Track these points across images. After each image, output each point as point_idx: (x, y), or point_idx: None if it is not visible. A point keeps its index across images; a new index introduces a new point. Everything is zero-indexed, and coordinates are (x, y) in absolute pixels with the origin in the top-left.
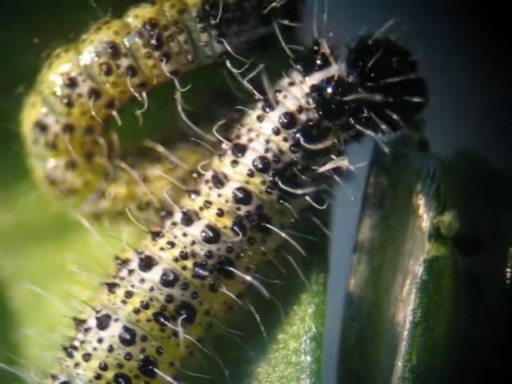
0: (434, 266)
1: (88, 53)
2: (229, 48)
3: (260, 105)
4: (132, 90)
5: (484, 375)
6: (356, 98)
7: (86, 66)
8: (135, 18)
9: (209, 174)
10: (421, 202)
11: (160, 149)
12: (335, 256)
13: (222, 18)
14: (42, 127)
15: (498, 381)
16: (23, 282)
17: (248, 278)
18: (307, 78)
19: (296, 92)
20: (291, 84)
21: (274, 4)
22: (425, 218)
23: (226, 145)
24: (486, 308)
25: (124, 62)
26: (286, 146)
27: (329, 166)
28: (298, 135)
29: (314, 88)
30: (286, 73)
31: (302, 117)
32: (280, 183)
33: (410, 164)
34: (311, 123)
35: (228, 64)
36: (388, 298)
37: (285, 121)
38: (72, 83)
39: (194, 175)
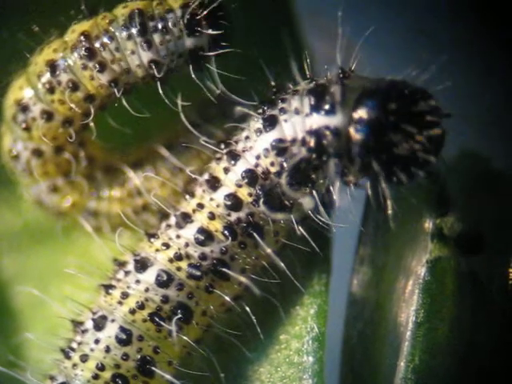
0: (436, 267)
1: (33, 75)
2: (154, 56)
3: (261, 120)
4: (73, 105)
5: (487, 375)
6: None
7: (33, 89)
8: (72, 33)
9: (204, 177)
10: (424, 202)
11: (165, 153)
12: (337, 256)
13: (144, 25)
14: (14, 156)
15: (501, 381)
16: (25, 282)
17: (243, 279)
18: (312, 115)
19: (296, 123)
20: (296, 111)
21: (196, 15)
22: (428, 218)
23: (221, 149)
24: (488, 308)
25: (64, 78)
26: (272, 169)
27: (300, 201)
28: (284, 164)
29: (313, 130)
30: (293, 90)
31: (294, 149)
32: (261, 201)
33: None
34: (300, 159)
35: (156, 73)
36: (391, 299)
37: (276, 147)
38: (24, 108)
39: (192, 177)
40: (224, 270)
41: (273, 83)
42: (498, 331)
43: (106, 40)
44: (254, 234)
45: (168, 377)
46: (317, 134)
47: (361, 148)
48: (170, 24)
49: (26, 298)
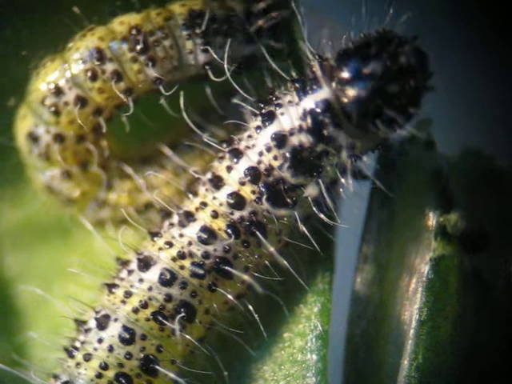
0: (440, 265)
1: (74, 60)
2: (214, 55)
3: (259, 117)
4: (118, 94)
5: (490, 374)
6: (346, 129)
7: (72, 74)
8: (121, 24)
9: (207, 176)
10: (427, 200)
11: (168, 153)
12: (341, 254)
13: (207, 27)
14: (33, 138)
15: (504, 380)
16: (29, 281)
17: (246, 277)
18: (302, 100)
19: (292, 113)
20: (290, 102)
21: (260, 23)
22: (431, 216)
23: (224, 148)
24: (492, 306)
25: (109, 67)
26: (275, 164)
27: (305, 194)
28: (287, 155)
29: (306, 111)
30: (286, 87)
31: (294, 140)
32: (264, 198)
33: (417, 162)
34: (302, 147)
35: (211, 75)
36: (394, 297)
37: (276, 139)
38: (58, 91)
39: (195, 176)
40: (227, 268)
41: (270, 85)
42: (501, 329)
43: (161, 36)
44: (257, 233)
45: (172, 375)
46: (311, 114)
47: (352, 104)
48: (233, 29)
49: (29, 296)
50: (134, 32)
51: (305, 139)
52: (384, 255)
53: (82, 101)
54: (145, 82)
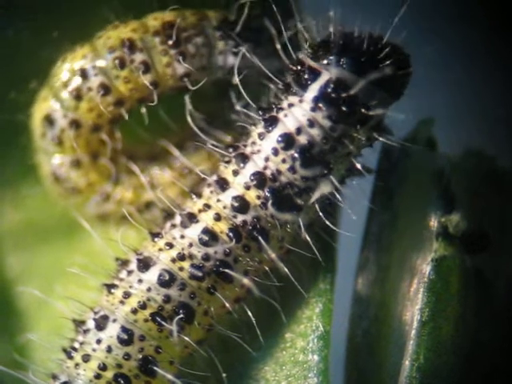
0: (441, 266)
1: (103, 47)
2: (253, 58)
3: (262, 123)
4: (143, 85)
5: (492, 374)
6: (360, 86)
7: (100, 60)
8: (155, 19)
9: (212, 178)
10: (429, 201)
11: (175, 152)
12: (343, 255)
13: (240, 32)
14: (49, 121)
15: (506, 380)
16: (31, 281)
17: (246, 281)
18: (305, 94)
19: (296, 112)
20: (291, 105)
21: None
22: (432, 217)
23: (230, 152)
24: (493, 307)
25: (138, 57)
26: (284, 167)
27: (317, 195)
28: (296, 155)
29: (317, 99)
30: (282, 95)
31: (301, 138)
32: (270, 203)
33: (418, 163)
34: (311, 143)
35: (236, 80)
36: (395, 297)
37: (283, 142)
38: (83, 76)
39: (201, 176)
40: (227, 271)
41: (271, 99)
42: (503, 329)
43: (194, 33)
44: (259, 238)
45: (170, 376)
46: (323, 98)
47: (354, 63)
48: (263, 38)
49: (31, 297)
50: (167, 27)
51: (317, 132)
52: (386, 256)
53: (105, 89)
54: (172, 77)
